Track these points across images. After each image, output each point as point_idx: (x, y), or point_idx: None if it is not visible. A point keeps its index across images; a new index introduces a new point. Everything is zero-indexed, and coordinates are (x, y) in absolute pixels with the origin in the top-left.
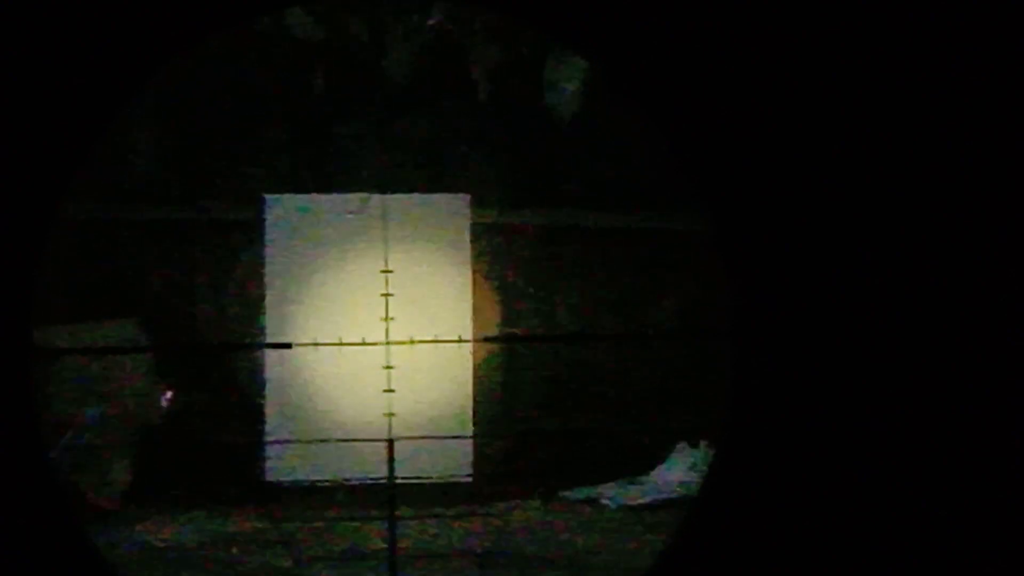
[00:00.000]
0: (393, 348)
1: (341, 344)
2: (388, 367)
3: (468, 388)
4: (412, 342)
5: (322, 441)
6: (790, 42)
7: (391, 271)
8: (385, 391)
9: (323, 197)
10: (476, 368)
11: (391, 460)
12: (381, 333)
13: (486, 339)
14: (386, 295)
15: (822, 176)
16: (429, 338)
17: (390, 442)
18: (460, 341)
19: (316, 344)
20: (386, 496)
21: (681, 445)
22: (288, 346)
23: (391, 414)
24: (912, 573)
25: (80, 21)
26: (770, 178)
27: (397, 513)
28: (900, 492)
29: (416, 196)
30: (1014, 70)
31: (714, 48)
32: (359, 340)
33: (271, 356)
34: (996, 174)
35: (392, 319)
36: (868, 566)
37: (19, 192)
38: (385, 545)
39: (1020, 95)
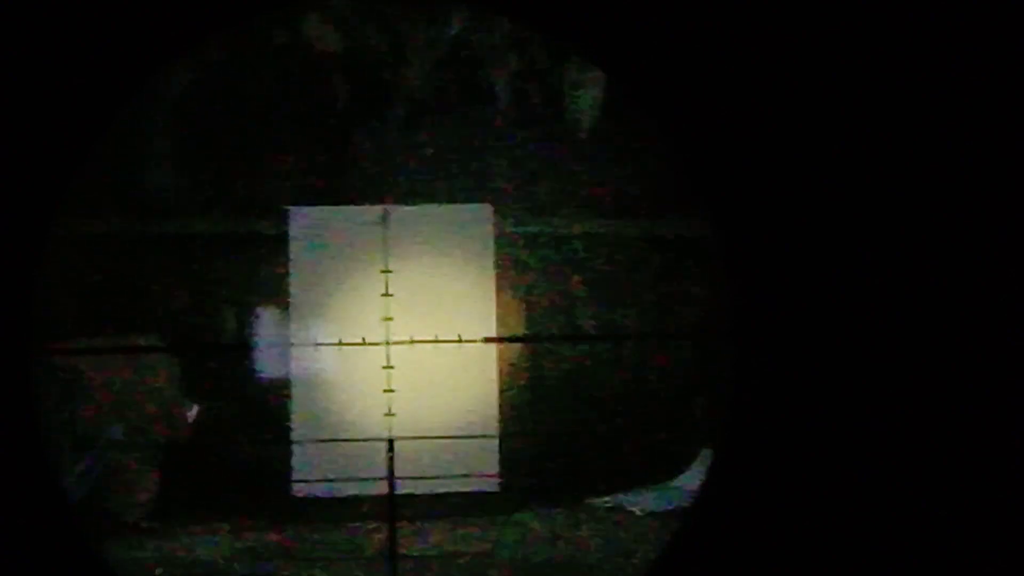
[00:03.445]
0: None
1: (341, 344)
2: (388, 367)
3: (472, 389)
4: (412, 342)
5: (321, 441)
6: (795, 48)
7: (390, 271)
8: (385, 391)
9: (345, 209)
10: (490, 369)
11: (391, 460)
12: (389, 333)
13: (486, 339)
14: (386, 295)
15: (824, 178)
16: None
17: (390, 442)
18: (460, 341)
19: (316, 344)
20: (387, 497)
21: (705, 451)
22: (289, 346)
23: (391, 414)
24: (912, 574)
25: (77, 22)
26: (773, 180)
27: (398, 520)
28: (901, 493)
29: (438, 207)
30: (1014, 70)
31: (720, 53)
32: (359, 340)
33: (294, 362)
34: (996, 174)
35: (391, 319)
36: (869, 568)
37: (19, 193)
38: (386, 548)
39: (1020, 95)
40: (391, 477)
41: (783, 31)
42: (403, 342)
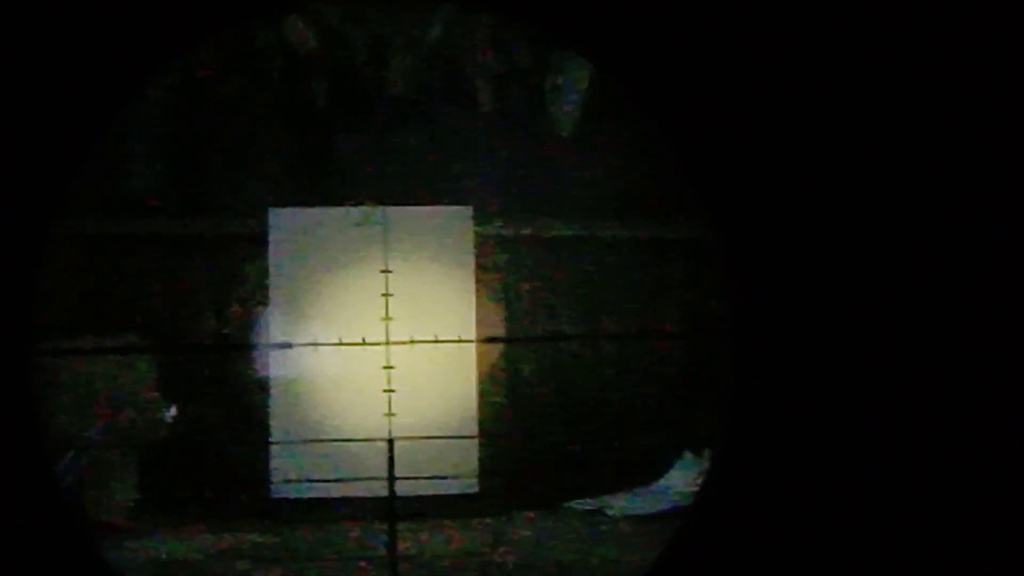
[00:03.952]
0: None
1: (341, 344)
2: (388, 367)
3: (470, 389)
4: (412, 342)
5: (322, 441)
6: (795, 47)
7: (390, 271)
8: (385, 391)
9: (327, 210)
10: (479, 370)
11: (391, 460)
12: (381, 333)
13: (486, 340)
14: (386, 295)
15: (825, 178)
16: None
17: (390, 442)
18: (460, 341)
19: (316, 344)
20: (386, 497)
21: (686, 454)
22: (288, 346)
23: (391, 414)
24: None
25: (76, 24)
26: (773, 179)
27: (397, 522)
28: (901, 493)
29: (419, 208)
30: (1014, 70)
31: (720, 52)
32: (359, 340)
33: (273, 361)
34: (996, 175)
35: (391, 319)
36: (869, 569)
37: (19, 195)
38: (386, 549)
39: (1020, 95)
40: (391, 477)
41: (784, 30)
42: (402, 342)
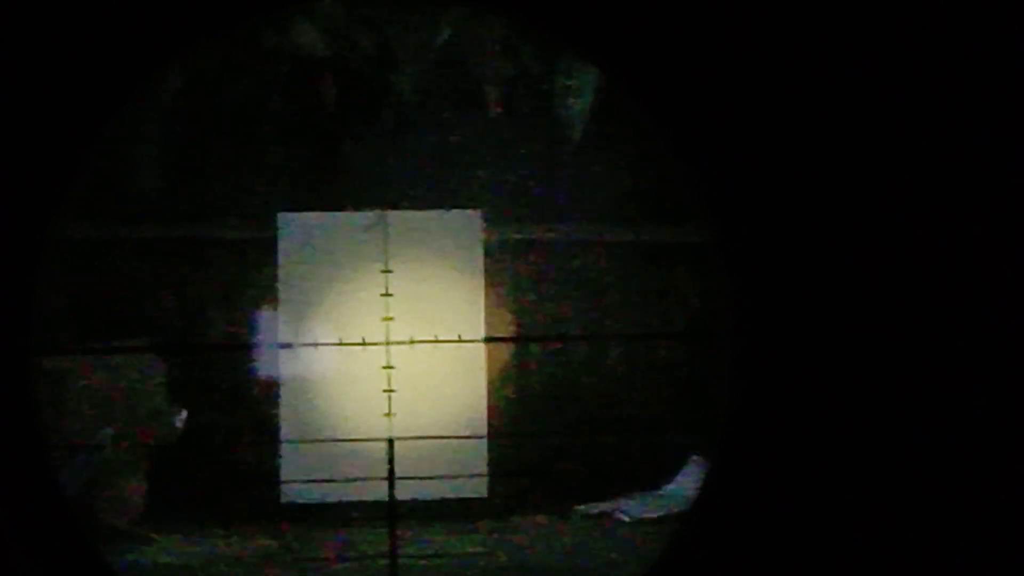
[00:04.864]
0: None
1: (341, 344)
2: (388, 367)
3: (477, 391)
4: (413, 342)
5: (322, 441)
6: (800, 51)
7: (390, 271)
8: (385, 391)
9: (335, 215)
10: (485, 371)
11: (391, 460)
12: (385, 334)
13: (488, 339)
14: (385, 295)
15: (829, 180)
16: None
17: (390, 442)
18: (461, 341)
19: (317, 344)
20: (387, 497)
21: (695, 458)
22: (289, 346)
23: (391, 414)
24: None
25: (72, 27)
26: (778, 183)
27: (398, 523)
28: (904, 496)
29: (428, 212)
30: (1016, 72)
31: (725, 55)
32: (359, 340)
33: (282, 363)
34: (1002, 179)
35: (391, 318)
36: (872, 571)
37: (18, 197)
38: (386, 550)
39: (1021, 96)
40: (391, 478)
41: (789, 33)
42: (403, 342)
